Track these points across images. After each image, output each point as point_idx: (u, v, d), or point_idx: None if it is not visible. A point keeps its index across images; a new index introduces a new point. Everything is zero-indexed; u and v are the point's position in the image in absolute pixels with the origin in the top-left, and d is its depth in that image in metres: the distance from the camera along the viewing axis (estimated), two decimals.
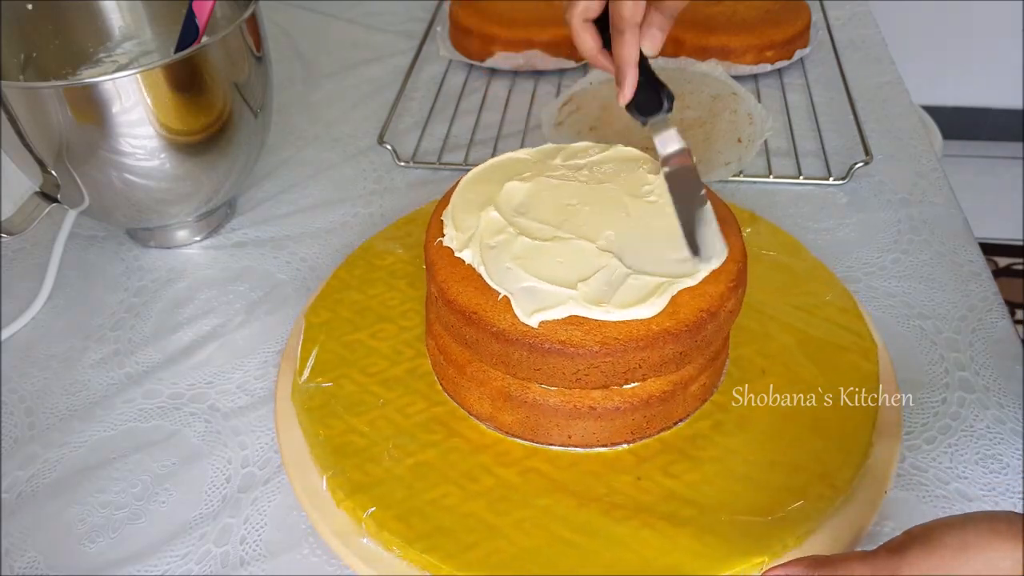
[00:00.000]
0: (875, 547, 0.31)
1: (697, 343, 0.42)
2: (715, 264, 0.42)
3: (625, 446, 0.45)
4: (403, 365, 0.49)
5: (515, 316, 0.41)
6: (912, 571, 0.29)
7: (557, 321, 0.40)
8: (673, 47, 0.78)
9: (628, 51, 0.47)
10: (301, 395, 0.48)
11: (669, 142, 0.47)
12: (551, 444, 0.45)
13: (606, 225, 0.44)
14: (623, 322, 0.40)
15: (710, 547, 0.40)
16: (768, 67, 0.78)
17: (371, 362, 0.50)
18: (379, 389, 0.48)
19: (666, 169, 0.46)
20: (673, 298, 0.41)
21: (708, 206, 0.44)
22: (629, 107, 0.48)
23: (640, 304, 0.40)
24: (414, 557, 0.40)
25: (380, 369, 0.49)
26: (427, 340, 0.50)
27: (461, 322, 0.43)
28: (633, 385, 0.43)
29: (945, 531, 0.30)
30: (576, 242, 0.43)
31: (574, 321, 0.40)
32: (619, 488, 0.43)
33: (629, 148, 0.50)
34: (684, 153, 0.46)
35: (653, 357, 0.41)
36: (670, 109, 0.48)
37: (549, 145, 0.51)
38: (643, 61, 0.48)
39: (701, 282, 0.42)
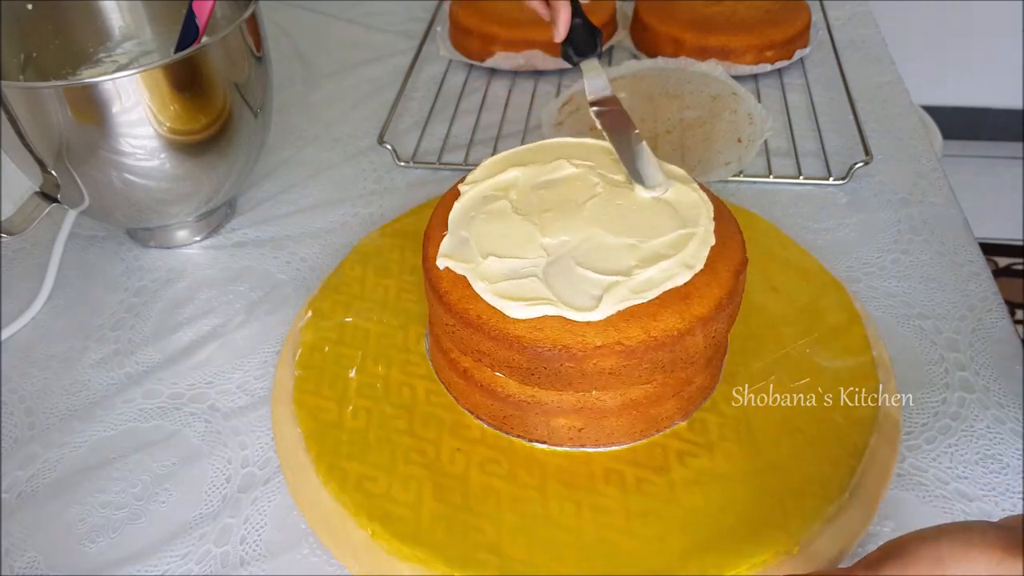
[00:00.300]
0: (853, 562, 0.32)
1: (691, 356, 0.42)
2: (659, 192, 0.43)
3: (624, 446, 0.45)
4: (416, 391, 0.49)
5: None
6: None
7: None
8: (673, 47, 0.78)
9: None
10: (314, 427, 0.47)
11: (599, 86, 0.49)
12: (546, 443, 0.45)
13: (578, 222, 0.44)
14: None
15: (711, 547, 0.40)
16: (768, 67, 0.78)
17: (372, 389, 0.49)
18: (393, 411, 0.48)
19: (595, 108, 0.48)
20: (669, 307, 0.41)
21: (644, 144, 0.45)
22: (563, 46, 0.50)
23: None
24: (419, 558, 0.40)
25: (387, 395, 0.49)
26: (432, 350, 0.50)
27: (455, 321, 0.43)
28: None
29: (919, 544, 0.30)
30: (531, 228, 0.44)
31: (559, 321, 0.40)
32: (617, 489, 0.43)
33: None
34: (613, 99, 0.48)
35: (664, 358, 0.41)
36: (600, 52, 0.50)
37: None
38: (575, 3, 0.49)
39: (699, 292, 0.41)
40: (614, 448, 0.45)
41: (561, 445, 0.45)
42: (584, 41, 0.49)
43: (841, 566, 0.35)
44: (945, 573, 0.28)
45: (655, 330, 0.40)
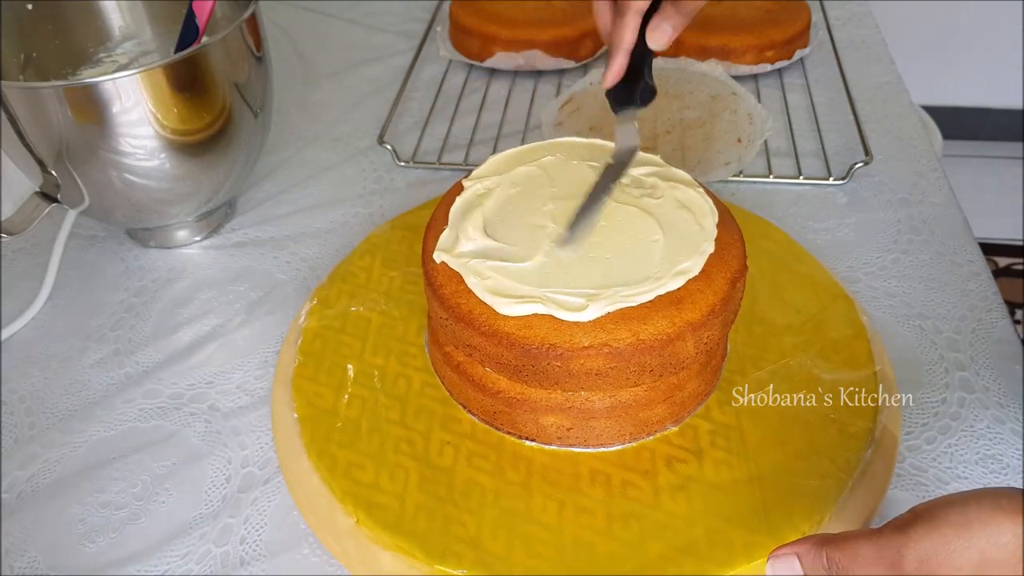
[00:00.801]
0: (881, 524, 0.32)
1: (686, 357, 0.42)
2: (566, 253, 0.42)
3: (612, 448, 0.45)
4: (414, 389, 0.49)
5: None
6: (916, 548, 0.30)
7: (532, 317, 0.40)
8: (673, 47, 0.78)
9: (621, 34, 0.47)
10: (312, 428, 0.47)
11: (627, 137, 0.47)
12: (535, 441, 0.45)
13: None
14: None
15: (689, 553, 0.40)
16: (768, 67, 0.78)
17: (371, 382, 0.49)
18: (386, 400, 0.48)
19: (611, 160, 0.46)
20: (659, 312, 0.40)
21: (604, 203, 0.44)
22: (608, 93, 0.49)
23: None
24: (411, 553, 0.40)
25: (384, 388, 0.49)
26: (431, 350, 0.50)
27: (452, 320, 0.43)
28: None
29: (949, 508, 0.30)
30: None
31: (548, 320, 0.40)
32: (602, 491, 0.43)
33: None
34: (633, 151, 0.47)
35: (652, 362, 0.41)
36: (643, 105, 0.48)
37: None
38: (645, 53, 0.48)
39: (691, 297, 0.41)
40: (602, 450, 0.45)
41: (549, 443, 0.45)
42: (628, 90, 0.48)
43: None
44: (972, 536, 0.29)
45: (644, 333, 0.40)
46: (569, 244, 0.42)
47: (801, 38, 0.79)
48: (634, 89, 0.48)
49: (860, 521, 0.42)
